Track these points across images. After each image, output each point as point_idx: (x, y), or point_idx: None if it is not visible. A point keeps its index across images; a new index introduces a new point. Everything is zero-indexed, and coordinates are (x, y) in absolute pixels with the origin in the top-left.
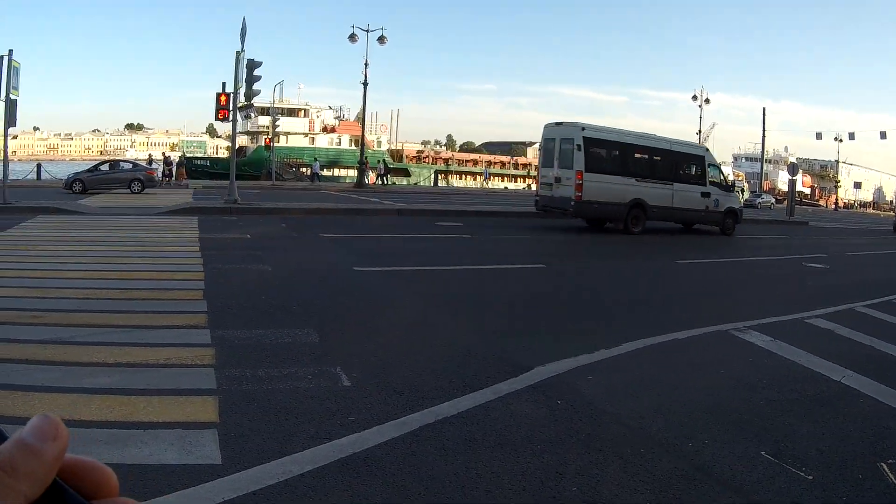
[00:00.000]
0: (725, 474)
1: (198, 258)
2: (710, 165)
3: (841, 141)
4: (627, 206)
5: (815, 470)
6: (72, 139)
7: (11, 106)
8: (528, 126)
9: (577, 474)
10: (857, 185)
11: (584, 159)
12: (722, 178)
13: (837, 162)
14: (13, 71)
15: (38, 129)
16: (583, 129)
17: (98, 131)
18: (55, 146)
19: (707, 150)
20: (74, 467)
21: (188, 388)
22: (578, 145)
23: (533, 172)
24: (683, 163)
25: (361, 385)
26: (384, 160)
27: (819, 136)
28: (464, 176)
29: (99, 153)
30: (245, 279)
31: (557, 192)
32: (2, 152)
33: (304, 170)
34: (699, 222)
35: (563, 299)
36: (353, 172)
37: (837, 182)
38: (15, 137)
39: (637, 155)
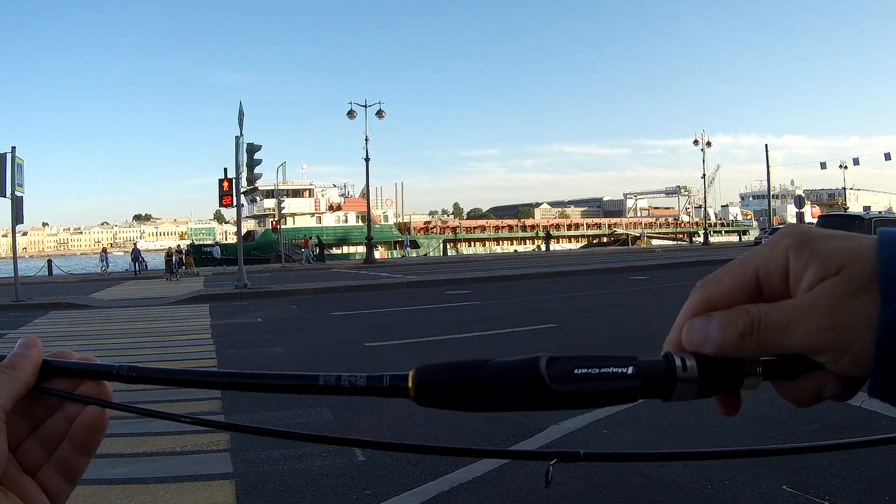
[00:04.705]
0: None
1: (210, 345)
2: None
3: (846, 168)
4: None
5: (838, 498)
6: (81, 233)
7: (17, 203)
8: (534, 187)
9: None
10: (867, 209)
11: None
12: None
13: (844, 189)
14: (17, 168)
15: (47, 224)
16: None
17: (107, 224)
18: (65, 241)
19: None
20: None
21: (205, 473)
22: None
23: (541, 233)
24: None
25: (376, 459)
26: (317, 235)
27: (823, 165)
28: (473, 243)
29: (109, 245)
30: (257, 363)
31: None
32: (12, 249)
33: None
34: None
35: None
36: (362, 249)
37: (846, 208)
38: (24, 234)
39: None
